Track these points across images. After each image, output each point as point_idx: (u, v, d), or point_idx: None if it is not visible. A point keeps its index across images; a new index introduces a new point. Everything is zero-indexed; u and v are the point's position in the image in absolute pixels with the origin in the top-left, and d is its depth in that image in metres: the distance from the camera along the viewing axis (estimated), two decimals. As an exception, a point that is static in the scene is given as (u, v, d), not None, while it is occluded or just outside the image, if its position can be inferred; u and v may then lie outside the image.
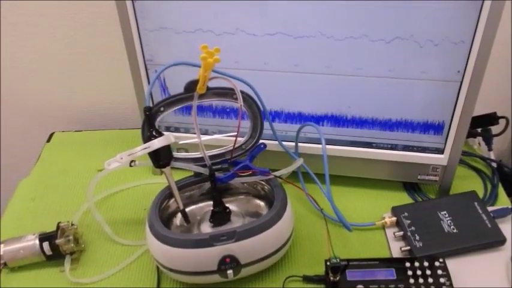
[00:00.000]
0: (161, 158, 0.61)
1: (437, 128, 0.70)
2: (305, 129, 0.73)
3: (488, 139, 0.84)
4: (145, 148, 0.60)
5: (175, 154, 0.66)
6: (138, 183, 0.81)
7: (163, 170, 0.62)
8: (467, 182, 0.79)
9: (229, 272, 0.59)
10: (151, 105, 0.64)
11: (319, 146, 0.67)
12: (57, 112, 1.02)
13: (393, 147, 0.73)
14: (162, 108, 0.63)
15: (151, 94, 0.76)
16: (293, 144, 0.74)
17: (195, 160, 0.67)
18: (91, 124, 1.03)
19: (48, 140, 0.94)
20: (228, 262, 0.59)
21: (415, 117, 0.70)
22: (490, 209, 0.70)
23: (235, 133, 0.64)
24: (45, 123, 1.02)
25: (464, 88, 0.65)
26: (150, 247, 0.62)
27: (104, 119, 1.03)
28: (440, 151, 0.72)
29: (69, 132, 0.96)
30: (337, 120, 0.73)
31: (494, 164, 0.82)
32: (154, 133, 0.60)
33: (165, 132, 0.61)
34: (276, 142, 0.73)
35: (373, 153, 0.74)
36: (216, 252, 0.58)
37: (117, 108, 1.02)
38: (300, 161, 0.68)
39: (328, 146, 0.70)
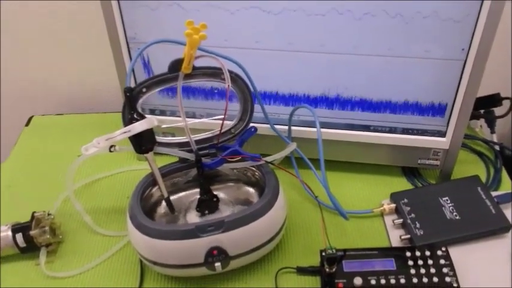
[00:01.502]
0: (143, 143, 0.58)
1: (439, 110, 0.67)
2: (299, 111, 0.69)
3: (491, 121, 0.81)
4: (125, 132, 0.56)
5: (159, 138, 0.62)
6: (123, 170, 0.78)
7: (145, 155, 0.59)
8: (469, 166, 0.76)
9: (217, 264, 0.56)
10: (133, 85, 0.59)
11: (314, 129, 0.64)
12: (37, 94, 0.98)
13: (392, 130, 0.70)
14: (144, 89, 0.59)
15: (134, 74, 0.71)
16: (286, 127, 0.71)
17: (180, 145, 0.63)
18: (73, 107, 0.99)
19: (27, 124, 0.90)
20: (216, 254, 0.56)
21: (415, 99, 0.67)
22: (493, 194, 0.67)
23: (223, 116, 0.60)
24: (25, 106, 0.98)
25: (469, 67, 0.62)
26: (131, 239, 0.58)
27: (86, 101, 0.99)
28: (442, 134, 0.69)
29: (49, 116, 0.92)
30: (333, 102, 0.69)
31: (497, 147, 0.80)
32: (135, 116, 0.57)
33: (147, 115, 0.57)
34: (268, 126, 0.70)
35: (370, 136, 0.71)
36: (202, 244, 0.55)
37: (101, 91, 0.98)
38: (293, 146, 0.65)
39: (323, 130, 0.67)
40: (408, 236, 0.63)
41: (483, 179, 0.72)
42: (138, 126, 0.56)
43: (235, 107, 0.64)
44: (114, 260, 0.64)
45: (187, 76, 0.58)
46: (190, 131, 0.60)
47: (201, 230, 0.54)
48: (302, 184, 0.70)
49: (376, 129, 0.70)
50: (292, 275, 0.61)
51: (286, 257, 0.63)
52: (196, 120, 0.71)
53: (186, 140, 0.61)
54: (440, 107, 0.66)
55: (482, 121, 0.83)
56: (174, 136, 0.68)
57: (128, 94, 0.57)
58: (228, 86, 0.59)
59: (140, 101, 0.60)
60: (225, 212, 0.63)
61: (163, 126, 0.69)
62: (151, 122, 0.57)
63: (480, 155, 0.79)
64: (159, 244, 0.55)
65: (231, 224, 0.55)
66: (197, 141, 0.62)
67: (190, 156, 0.62)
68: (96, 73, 0.95)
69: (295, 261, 0.62)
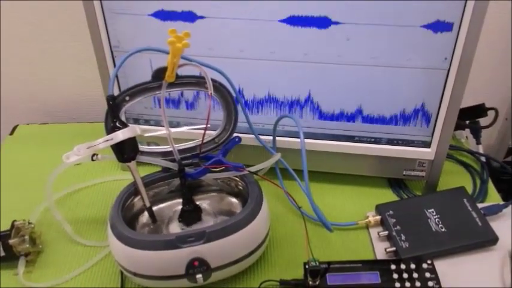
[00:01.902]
0: (126, 152, 0.57)
1: (423, 120, 0.67)
2: (283, 122, 0.69)
3: (476, 132, 0.81)
4: (107, 140, 0.55)
5: (142, 148, 0.61)
6: (106, 180, 0.77)
7: (128, 164, 0.58)
8: (455, 177, 0.76)
9: (199, 276, 0.55)
10: (115, 94, 0.59)
11: (298, 140, 0.63)
12: (22, 104, 0.97)
13: (377, 140, 0.70)
14: (127, 98, 0.59)
15: (118, 83, 0.71)
16: (270, 138, 0.70)
17: (163, 154, 0.63)
18: (58, 117, 0.98)
19: (11, 133, 0.89)
20: (197, 266, 0.54)
21: (400, 108, 0.66)
22: (480, 206, 0.67)
23: (205, 125, 0.59)
24: (10, 115, 0.97)
25: (452, 76, 0.62)
26: (112, 249, 0.57)
27: (72, 111, 0.98)
28: (427, 144, 0.68)
29: (34, 125, 0.91)
30: (317, 112, 0.69)
31: (483, 159, 0.79)
32: (118, 124, 0.56)
33: (130, 124, 0.57)
34: (252, 136, 0.69)
35: (355, 147, 0.70)
36: (183, 255, 0.54)
37: (87, 100, 0.97)
38: (277, 156, 0.64)
39: (307, 140, 0.67)
40: (393, 248, 0.62)
41: (469, 190, 0.71)
42: (121, 135, 0.55)
43: (219, 117, 0.63)
44: (94, 271, 0.62)
45: (171, 85, 0.57)
46: (174, 141, 0.59)
47: (181, 240, 0.53)
48: (286, 195, 0.69)
49: (360, 140, 0.70)
50: (275, 288, 0.60)
51: (269, 270, 0.62)
52: (179, 129, 0.71)
53: (170, 149, 0.60)
54: (425, 116, 0.66)
55: (467, 132, 0.83)
56: (158, 146, 0.67)
57: (110, 102, 0.56)
58: (211, 94, 0.58)
59: (123, 109, 0.59)
60: (208, 222, 0.62)
61: (147, 135, 0.69)
62: (134, 131, 0.56)
63: (466, 166, 0.79)
64: (139, 254, 0.54)
65: (212, 234, 0.54)
66: (180, 151, 0.61)
67: (173, 166, 0.61)
68: (81, 83, 0.95)
69: (278, 273, 0.61)
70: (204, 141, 0.62)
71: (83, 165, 0.77)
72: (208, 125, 0.59)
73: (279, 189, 0.69)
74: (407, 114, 0.66)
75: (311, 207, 0.62)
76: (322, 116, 0.69)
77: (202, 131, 0.61)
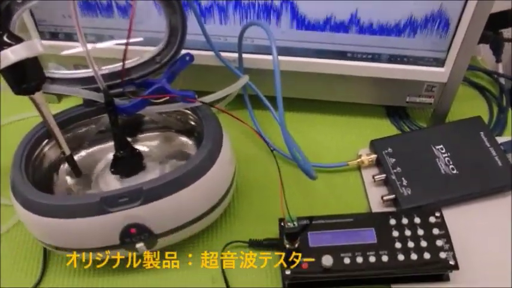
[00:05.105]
0: (25, 79, 0.44)
1: (439, 28, 0.54)
2: (252, 33, 0.54)
3: (497, 45, 0.69)
4: (-12, 63, 0.42)
5: (53, 73, 0.48)
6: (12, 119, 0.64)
7: (32, 97, 0.45)
8: (467, 104, 0.66)
9: (140, 245, 0.46)
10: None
11: (271, 57, 0.49)
12: None
13: (375, 57, 0.59)
14: (19, -2, 0.44)
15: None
16: (235, 55, 0.58)
17: (84, 81, 0.49)
18: None
19: None
20: (135, 233, 0.44)
21: (408, 11, 0.54)
22: (498, 139, 0.58)
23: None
24: None
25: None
26: (20, 217, 0.45)
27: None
28: (440, 62, 0.57)
29: None
30: (297, 20, 0.56)
31: (502, 80, 0.69)
32: (6, 39, 0.42)
33: (35, 39, 0.43)
34: (211, 53, 0.57)
35: (347, 66, 0.60)
36: (115, 221, 0.44)
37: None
38: (244, 79, 0.53)
39: (283, 57, 0.57)
40: (392, 196, 0.55)
41: (485, 120, 0.61)
42: (11, 55, 0.41)
43: (162, 27, 0.48)
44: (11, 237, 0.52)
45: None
46: (104, 61, 0.46)
47: (109, 203, 0.42)
48: (256, 131, 0.58)
49: (354, 57, 0.59)
50: (244, 250, 0.51)
51: (236, 228, 0.54)
52: (103, 45, 0.56)
53: (92, 74, 0.46)
54: (442, 23, 0.54)
55: (485, 48, 0.71)
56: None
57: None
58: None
59: (15, 16, 0.45)
60: (153, 171, 0.51)
61: (64, 53, 0.54)
62: (33, 48, 0.43)
63: (481, 89, 0.69)
64: (55, 224, 0.43)
65: (152, 192, 0.43)
66: (108, 76, 0.48)
67: (98, 97, 0.48)
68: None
69: (247, 232, 0.53)
70: (140, 61, 0.49)
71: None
72: (141, 38, 0.46)
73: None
74: (418, 20, 0.54)
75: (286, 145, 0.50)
76: (304, 24, 0.56)
77: (133, 48, 0.46)
